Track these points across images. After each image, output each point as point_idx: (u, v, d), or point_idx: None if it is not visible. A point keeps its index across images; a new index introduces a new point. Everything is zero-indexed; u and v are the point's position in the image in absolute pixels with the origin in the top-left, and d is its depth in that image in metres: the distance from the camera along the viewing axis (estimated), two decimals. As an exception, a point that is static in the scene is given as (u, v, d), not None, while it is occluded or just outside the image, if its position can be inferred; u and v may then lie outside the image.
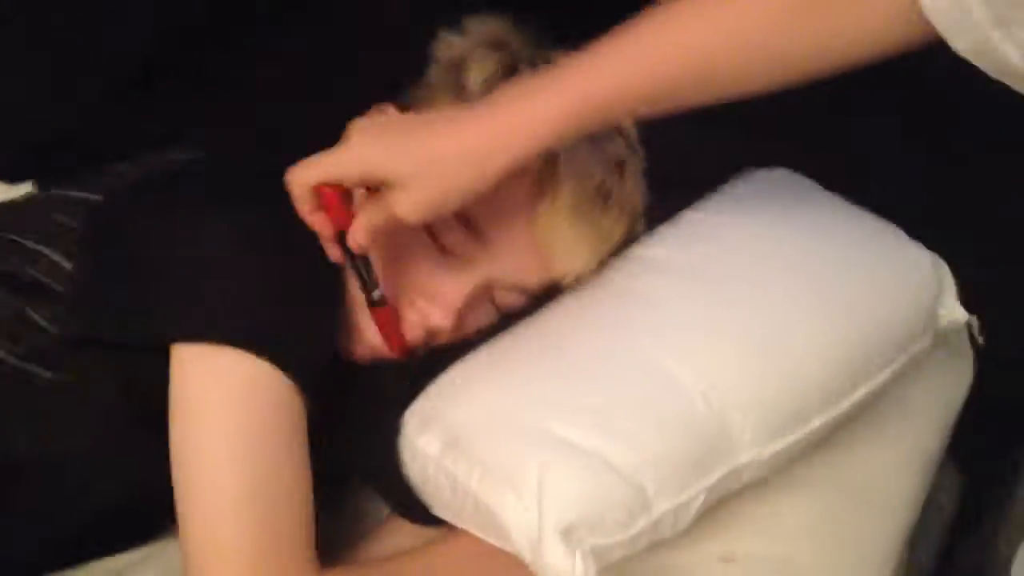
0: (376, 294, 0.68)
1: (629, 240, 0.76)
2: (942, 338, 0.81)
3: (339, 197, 0.64)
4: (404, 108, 0.73)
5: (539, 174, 0.69)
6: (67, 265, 0.69)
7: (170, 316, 0.63)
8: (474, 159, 0.60)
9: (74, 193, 0.74)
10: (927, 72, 0.65)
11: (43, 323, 0.68)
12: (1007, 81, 0.55)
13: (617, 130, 0.73)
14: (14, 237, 0.71)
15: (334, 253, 0.67)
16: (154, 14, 0.86)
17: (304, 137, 0.68)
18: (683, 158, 0.78)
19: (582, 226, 0.71)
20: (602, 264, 0.75)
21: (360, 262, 0.67)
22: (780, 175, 0.83)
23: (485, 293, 0.73)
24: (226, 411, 0.61)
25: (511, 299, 0.74)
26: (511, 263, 0.71)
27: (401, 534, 0.73)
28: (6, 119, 0.94)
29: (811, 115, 0.76)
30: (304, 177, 0.65)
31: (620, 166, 0.73)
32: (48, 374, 0.67)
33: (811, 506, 0.73)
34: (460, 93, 0.71)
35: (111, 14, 0.89)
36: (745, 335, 0.71)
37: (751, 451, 0.69)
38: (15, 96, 0.92)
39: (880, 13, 0.56)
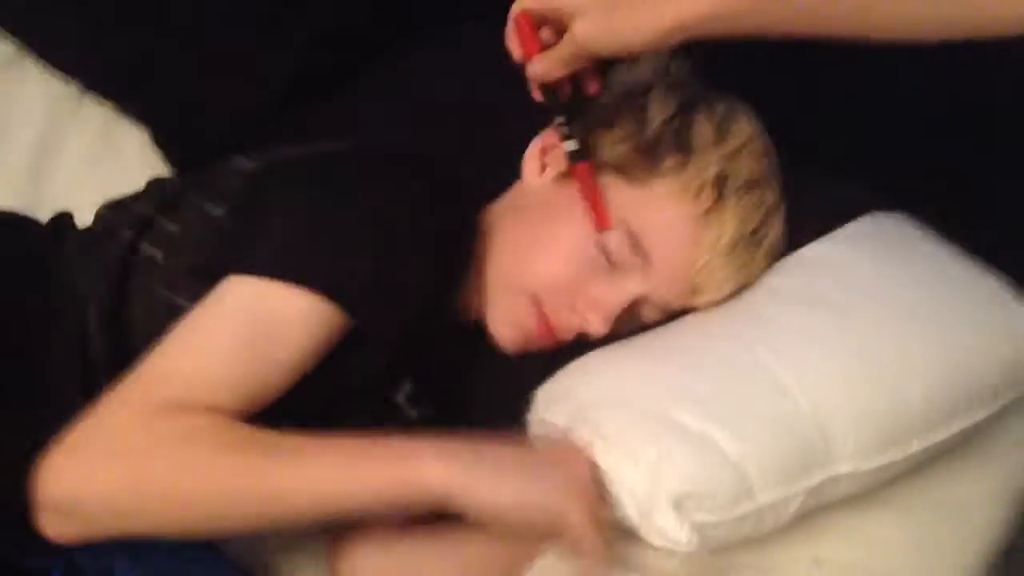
0: (570, 145, 0.78)
1: None
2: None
3: (530, 25, 0.75)
4: None
5: (707, 209, 0.77)
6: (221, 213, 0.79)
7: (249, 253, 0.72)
8: (648, 4, 0.68)
9: (240, 165, 0.84)
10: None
11: (200, 258, 0.76)
12: None
13: (774, 175, 0.81)
14: (197, 198, 0.81)
15: (533, 91, 0.78)
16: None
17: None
18: (811, 198, 0.85)
19: (734, 268, 0.79)
20: None
21: (554, 102, 0.77)
22: (897, 220, 0.90)
23: (635, 307, 0.81)
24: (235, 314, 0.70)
25: (653, 315, 0.82)
26: (665, 285, 0.79)
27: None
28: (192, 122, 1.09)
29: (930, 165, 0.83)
30: (513, 10, 0.76)
31: (772, 213, 0.81)
32: (181, 300, 0.75)
33: (901, 523, 0.78)
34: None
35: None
36: (855, 359, 0.77)
37: (851, 463, 0.75)
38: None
39: None
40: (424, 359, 0.83)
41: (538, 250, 0.81)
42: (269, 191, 0.78)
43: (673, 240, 0.78)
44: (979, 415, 0.80)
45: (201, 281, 0.73)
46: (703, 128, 0.79)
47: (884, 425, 0.76)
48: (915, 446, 0.77)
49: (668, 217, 0.78)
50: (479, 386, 0.89)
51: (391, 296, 0.74)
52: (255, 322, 0.70)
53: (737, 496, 0.71)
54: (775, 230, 0.82)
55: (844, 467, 0.75)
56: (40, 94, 1.15)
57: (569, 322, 0.80)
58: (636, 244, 0.78)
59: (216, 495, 0.66)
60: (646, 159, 0.78)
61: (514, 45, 0.77)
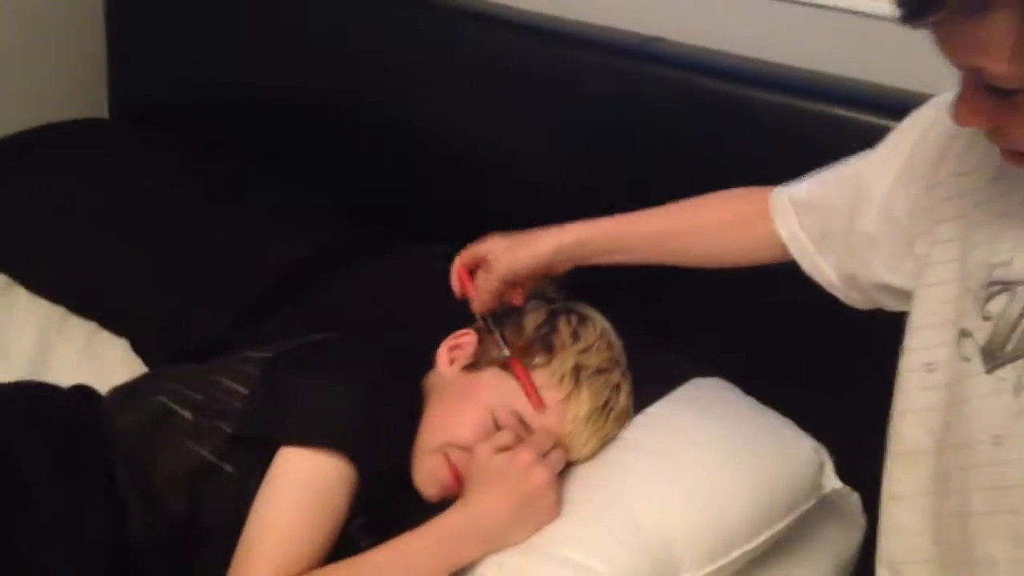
0: (504, 353, 1.07)
1: None
2: (833, 502, 1.17)
3: (466, 273, 1.10)
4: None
5: (568, 394, 1.06)
6: (246, 392, 1.06)
7: (289, 423, 0.99)
8: (527, 240, 1.07)
9: (254, 354, 1.12)
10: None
11: (227, 429, 1.04)
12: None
13: (619, 360, 1.11)
14: (219, 378, 1.09)
15: (477, 318, 1.09)
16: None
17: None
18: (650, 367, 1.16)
19: (591, 433, 1.08)
20: None
21: (488, 328, 1.09)
22: (715, 382, 1.22)
23: None
24: (306, 487, 0.97)
25: None
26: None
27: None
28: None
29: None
30: (456, 262, 1.10)
31: (617, 390, 1.11)
32: (229, 468, 1.03)
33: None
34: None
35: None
36: (687, 494, 1.06)
37: (691, 572, 1.03)
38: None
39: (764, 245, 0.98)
40: (377, 499, 1.07)
41: (449, 420, 1.08)
42: (288, 372, 1.06)
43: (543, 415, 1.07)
44: (782, 524, 1.10)
45: (230, 441, 1.01)
46: (563, 331, 1.09)
47: (712, 541, 1.05)
48: (736, 555, 1.06)
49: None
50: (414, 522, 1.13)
51: (385, 452, 1.02)
52: (317, 490, 0.97)
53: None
54: (621, 401, 1.11)
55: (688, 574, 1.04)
56: (31, 316, 1.39)
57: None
58: (520, 419, 1.06)
59: None
60: (524, 359, 1.08)
61: (456, 286, 1.11)
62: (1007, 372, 0.70)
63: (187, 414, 1.05)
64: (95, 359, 1.36)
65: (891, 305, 0.89)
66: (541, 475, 1.00)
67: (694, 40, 1.31)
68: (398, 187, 1.60)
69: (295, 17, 1.65)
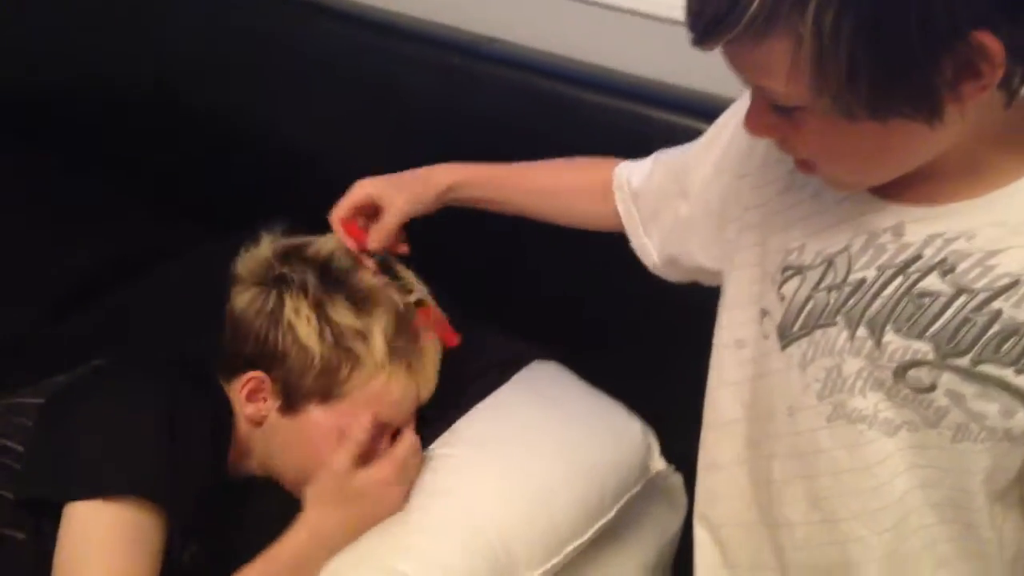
0: (414, 296, 1.02)
1: None
2: (657, 485, 1.20)
3: (352, 223, 1.03)
4: None
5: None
6: (21, 449, 0.94)
7: (75, 476, 0.89)
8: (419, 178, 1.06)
9: (27, 400, 1.00)
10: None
11: (6, 493, 0.92)
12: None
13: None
14: None
15: (369, 264, 1.04)
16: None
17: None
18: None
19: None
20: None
21: (391, 273, 1.04)
22: (550, 367, 1.23)
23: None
24: (102, 544, 0.87)
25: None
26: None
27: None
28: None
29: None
30: (333, 215, 1.04)
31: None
32: (20, 535, 0.92)
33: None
34: None
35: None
36: (522, 492, 1.06)
37: (527, 572, 1.04)
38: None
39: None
40: (205, 517, 1.00)
41: (309, 464, 1.02)
42: (64, 418, 0.94)
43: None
44: (612, 513, 1.12)
45: (14, 507, 0.90)
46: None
47: (548, 538, 1.05)
48: (571, 549, 1.07)
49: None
50: (248, 532, 1.06)
51: (187, 483, 0.93)
52: (120, 539, 0.87)
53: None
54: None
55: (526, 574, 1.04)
56: None
57: None
58: (378, 423, 1.04)
59: None
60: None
61: (348, 241, 1.04)
62: (795, 349, 0.76)
63: None
64: None
65: (707, 282, 0.94)
66: (375, 476, 1.00)
67: (525, 41, 1.30)
68: (204, 179, 1.51)
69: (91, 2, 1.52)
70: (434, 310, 1.07)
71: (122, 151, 1.57)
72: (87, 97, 1.60)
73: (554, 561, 1.06)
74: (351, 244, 1.05)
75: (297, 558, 0.96)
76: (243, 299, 1.06)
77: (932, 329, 0.68)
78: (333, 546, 0.99)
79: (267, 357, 1.03)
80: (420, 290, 1.09)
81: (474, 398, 1.16)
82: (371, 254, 1.05)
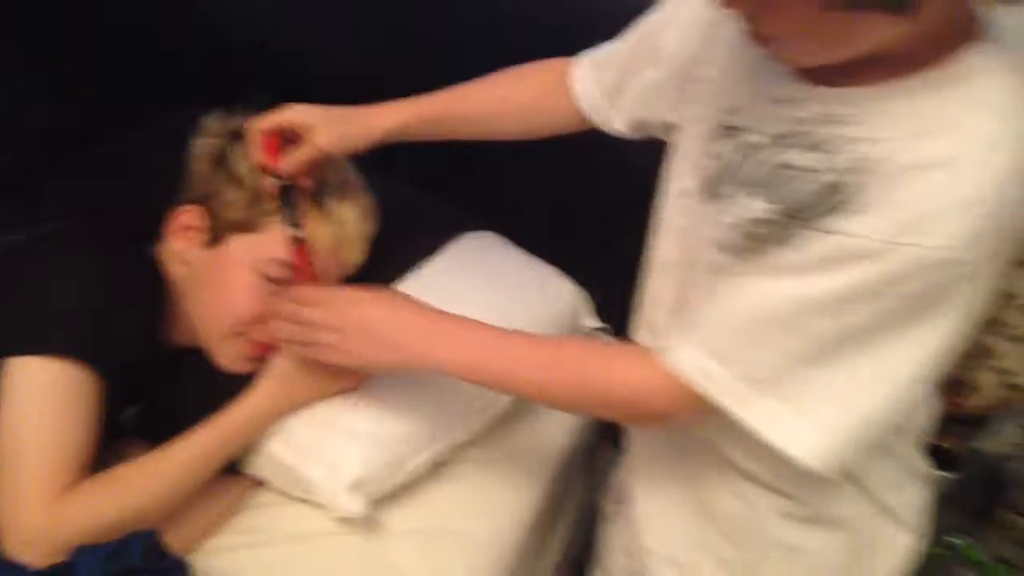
0: (298, 232, 1.02)
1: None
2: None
3: (272, 139, 1.00)
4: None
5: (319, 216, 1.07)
6: None
7: (15, 334, 0.91)
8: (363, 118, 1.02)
9: None
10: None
11: None
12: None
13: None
14: None
15: (269, 184, 1.02)
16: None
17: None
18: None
19: (355, 237, 1.10)
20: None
21: (287, 200, 1.02)
22: (485, 236, 1.26)
23: None
24: (42, 396, 0.91)
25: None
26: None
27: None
28: None
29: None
30: (254, 125, 1.01)
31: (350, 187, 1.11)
32: None
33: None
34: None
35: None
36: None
37: (461, 429, 1.13)
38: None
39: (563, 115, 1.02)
40: (146, 382, 1.05)
41: (223, 302, 1.05)
42: (8, 279, 0.95)
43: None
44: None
45: None
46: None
47: (480, 393, 1.13)
48: (503, 402, 1.16)
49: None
50: (189, 401, 1.10)
51: (121, 347, 0.96)
52: (57, 396, 0.91)
53: (393, 471, 1.07)
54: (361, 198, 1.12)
55: (460, 431, 1.13)
56: None
57: (272, 335, 1.03)
58: (285, 264, 1.04)
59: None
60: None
61: (257, 154, 1.01)
62: (717, 204, 0.80)
63: None
64: None
65: (668, 137, 0.95)
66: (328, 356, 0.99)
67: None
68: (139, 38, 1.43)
69: None
70: (306, 254, 1.05)
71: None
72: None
73: (491, 412, 1.15)
74: (258, 158, 1.03)
75: (239, 431, 1.02)
76: (198, 145, 1.09)
77: (783, 193, 0.73)
78: (278, 417, 1.05)
79: (202, 194, 1.06)
80: (303, 232, 1.04)
81: (408, 265, 1.21)
82: (276, 175, 1.03)
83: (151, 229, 1.10)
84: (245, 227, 1.05)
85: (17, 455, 0.91)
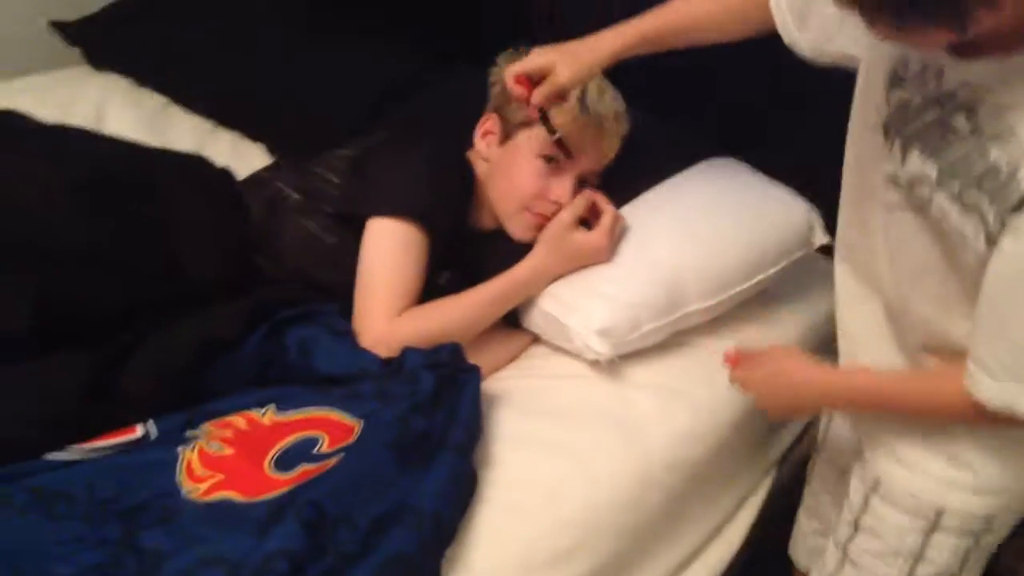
0: (557, 134, 1.34)
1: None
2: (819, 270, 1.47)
3: (527, 79, 1.27)
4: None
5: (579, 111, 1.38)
6: (338, 181, 1.41)
7: (374, 201, 1.33)
8: (585, 48, 1.25)
9: (344, 152, 1.46)
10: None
11: (327, 209, 1.39)
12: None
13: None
14: (317, 170, 1.44)
15: (532, 112, 1.30)
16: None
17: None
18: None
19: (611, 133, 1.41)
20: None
21: (544, 119, 1.32)
22: (726, 161, 1.53)
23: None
24: (391, 245, 1.30)
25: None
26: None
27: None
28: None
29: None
30: (510, 72, 1.28)
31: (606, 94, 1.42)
32: (332, 239, 1.38)
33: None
34: None
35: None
36: (697, 242, 1.38)
37: (697, 303, 1.37)
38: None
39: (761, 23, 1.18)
40: (457, 255, 1.42)
41: (514, 184, 1.41)
42: (371, 163, 1.38)
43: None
44: (773, 270, 1.41)
45: (330, 218, 1.36)
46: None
47: (714, 279, 1.37)
48: (734, 292, 1.39)
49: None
50: (488, 269, 1.44)
51: (447, 218, 1.35)
52: (399, 245, 1.30)
53: (632, 328, 1.34)
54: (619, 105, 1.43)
55: (693, 306, 1.37)
56: (186, 128, 1.77)
57: (551, 208, 1.38)
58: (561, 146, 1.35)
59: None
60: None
61: (517, 91, 1.28)
62: (888, 144, 0.96)
63: (296, 196, 1.41)
64: (239, 160, 1.72)
65: (852, 66, 1.09)
66: (592, 240, 1.36)
67: None
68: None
69: None
70: (567, 149, 1.35)
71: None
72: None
73: (720, 298, 1.38)
74: (519, 92, 1.28)
75: (522, 282, 1.37)
76: (493, 72, 1.47)
77: (943, 156, 0.87)
78: (550, 279, 1.38)
79: (497, 105, 1.43)
80: (562, 134, 1.33)
81: (661, 177, 1.49)
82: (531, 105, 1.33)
83: (466, 139, 1.49)
84: (528, 123, 1.39)
85: (371, 285, 1.31)
